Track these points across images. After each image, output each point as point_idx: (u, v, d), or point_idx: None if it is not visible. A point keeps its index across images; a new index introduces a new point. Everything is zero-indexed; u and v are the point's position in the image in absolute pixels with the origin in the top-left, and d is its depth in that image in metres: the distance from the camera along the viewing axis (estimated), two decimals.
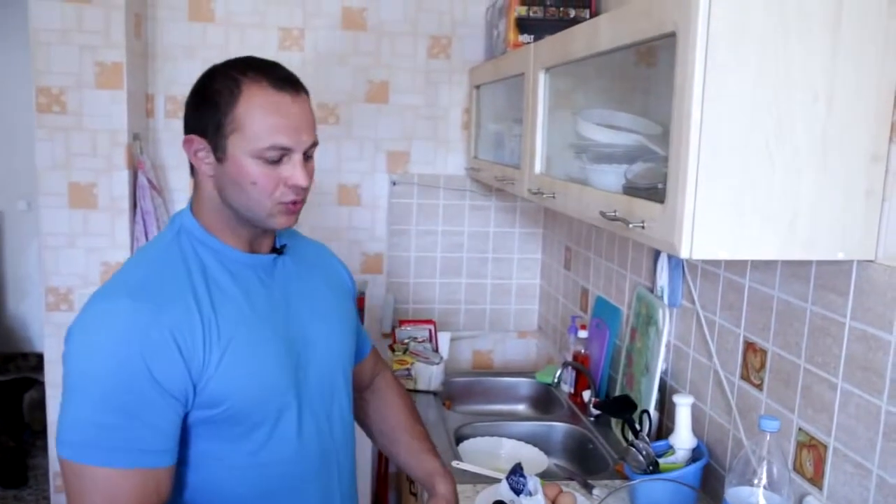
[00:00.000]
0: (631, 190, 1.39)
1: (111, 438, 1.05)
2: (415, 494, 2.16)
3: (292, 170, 1.14)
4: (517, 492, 1.44)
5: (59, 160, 2.48)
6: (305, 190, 1.17)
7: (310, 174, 1.18)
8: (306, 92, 1.19)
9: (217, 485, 1.17)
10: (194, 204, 1.23)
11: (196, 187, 1.22)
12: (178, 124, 2.66)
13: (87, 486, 1.05)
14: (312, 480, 1.25)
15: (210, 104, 1.14)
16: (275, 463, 1.20)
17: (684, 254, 1.12)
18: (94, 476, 1.05)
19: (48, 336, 2.57)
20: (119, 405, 1.05)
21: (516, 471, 1.47)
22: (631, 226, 1.26)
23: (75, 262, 2.55)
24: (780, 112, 1.10)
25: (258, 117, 1.12)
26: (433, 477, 1.39)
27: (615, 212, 1.33)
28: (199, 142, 1.16)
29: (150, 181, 2.59)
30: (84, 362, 1.07)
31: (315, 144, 1.19)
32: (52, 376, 2.60)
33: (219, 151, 1.14)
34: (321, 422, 1.26)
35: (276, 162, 1.14)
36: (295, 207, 1.18)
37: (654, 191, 1.28)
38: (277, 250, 1.27)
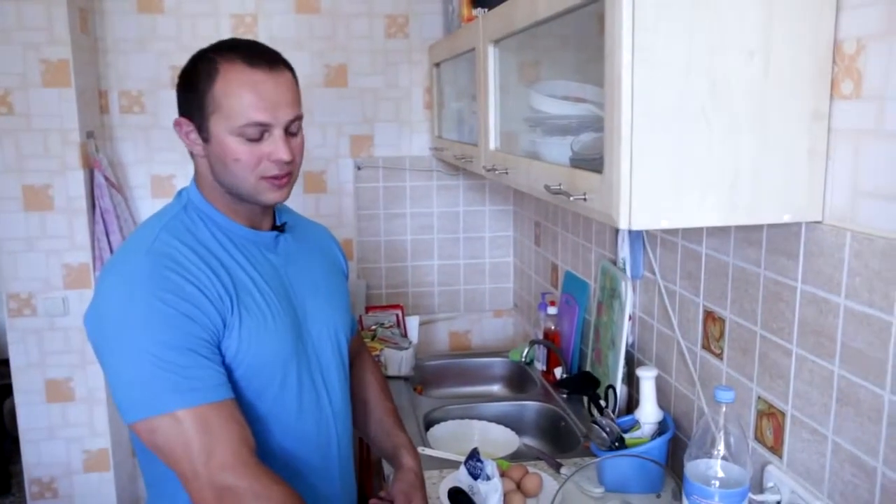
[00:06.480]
0: (577, 162, 1.35)
1: (173, 380, 1.05)
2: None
3: (273, 145, 1.16)
4: (475, 476, 1.41)
5: (11, 163, 2.42)
6: (290, 164, 1.18)
7: (295, 149, 1.20)
8: (288, 67, 1.20)
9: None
10: (196, 180, 1.25)
11: (195, 166, 1.25)
12: (135, 119, 2.67)
13: (170, 435, 1.05)
14: (311, 448, 1.27)
15: (192, 87, 1.17)
16: (280, 425, 1.22)
17: (622, 224, 1.08)
18: (168, 424, 1.05)
19: (12, 343, 2.53)
20: (170, 347, 1.06)
21: (473, 455, 1.44)
22: (572, 198, 1.22)
23: (36, 265, 2.50)
24: (714, 73, 1.06)
25: (234, 96, 1.13)
26: (399, 450, 1.42)
27: (560, 185, 1.30)
28: (186, 124, 1.19)
29: (107, 179, 2.53)
30: (119, 322, 1.07)
31: (298, 118, 1.19)
32: (20, 383, 2.56)
33: (203, 132, 1.17)
34: (319, 391, 1.29)
35: (258, 139, 1.15)
36: (280, 182, 1.19)
37: (598, 161, 1.24)
38: (278, 228, 1.30)
